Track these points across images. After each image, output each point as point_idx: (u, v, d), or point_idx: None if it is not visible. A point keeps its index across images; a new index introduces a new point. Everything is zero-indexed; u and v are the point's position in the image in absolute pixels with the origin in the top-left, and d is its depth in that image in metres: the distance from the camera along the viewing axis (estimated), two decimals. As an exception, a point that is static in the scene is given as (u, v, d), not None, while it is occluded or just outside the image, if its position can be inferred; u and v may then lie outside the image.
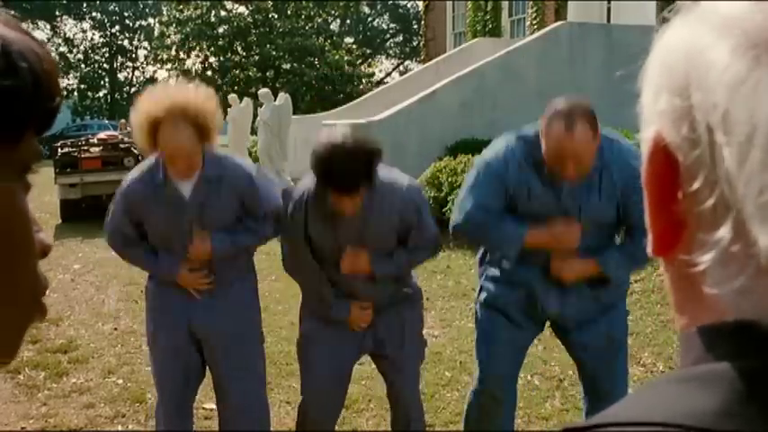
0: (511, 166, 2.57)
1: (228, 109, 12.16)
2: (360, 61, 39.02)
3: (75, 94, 43.68)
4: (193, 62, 33.73)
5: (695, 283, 0.48)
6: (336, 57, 31.79)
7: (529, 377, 4.19)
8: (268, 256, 7.94)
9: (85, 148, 11.60)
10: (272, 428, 3.80)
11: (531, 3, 15.16)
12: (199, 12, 31.46)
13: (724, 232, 0.44)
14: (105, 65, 44.92)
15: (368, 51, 43.55)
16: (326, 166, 2.40)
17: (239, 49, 32.02)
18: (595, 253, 2.60)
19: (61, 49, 44.03)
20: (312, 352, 2.83)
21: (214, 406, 3.73)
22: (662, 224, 0.49)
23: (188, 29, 30.92)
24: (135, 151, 10.64)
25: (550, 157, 2.45)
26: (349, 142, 2.40)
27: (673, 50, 0.48)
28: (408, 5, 44.23)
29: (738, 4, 0.45)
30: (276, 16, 32.24)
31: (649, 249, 0.51)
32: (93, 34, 44.88)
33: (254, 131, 12.50)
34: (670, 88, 0.47)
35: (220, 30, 31.87)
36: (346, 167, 2.37)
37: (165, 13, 35.42)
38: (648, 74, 0.50)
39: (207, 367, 2.98)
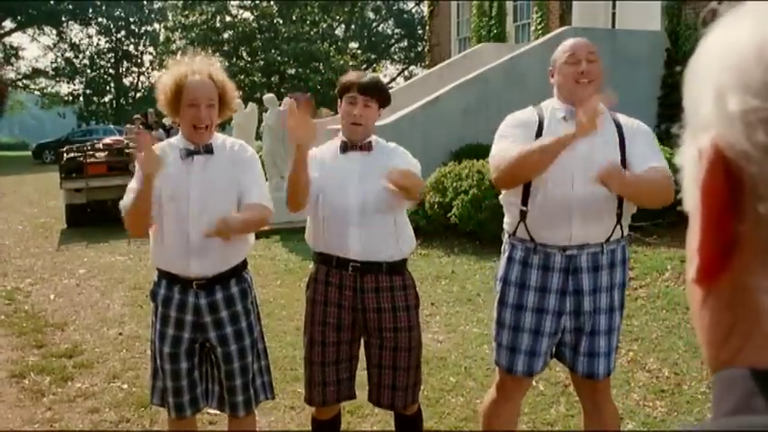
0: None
1: (233, 114, 12.19)
2: (364, 66, 39.06)
3: (81, 99, 43.86)
4: (198, 67, 33.80)
5: (755, 313, 0.41)
6: (341, 62, 31.81)
7: (534, 382, 4.17)
8: (272, 261, 7.97)
9: (91, 153, 11.66)
10: (276, 434, 3.81)
11: (536, 8, 15.15)
12: (204, 17, 31.55)
13: None
14: (111, 70, 45.09)
15: (372, 56, 43.61)
16: (352, 75, 2.86)
17: (244, 54, 32.08)
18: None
19: (67, 54, 44.22)
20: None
21: (218, 411, 3.74)
22: (713, 246, 0.43)
23: (193, 34, 30.99)
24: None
25: (565, 75, 2.66)
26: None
27: (738, 47, 0.42)
28: (413, 11, 44.31)
29: None
30: (281, 21, 32.32)
31: (692, 275, 0.45)
32: (99, 39, 45.10)
33: (258, 137, 12.52)
34: (742, 89, 0.41)
35: (225, 35, 31.95)
36: (369, 77, 2.87)
37: (170, 18, 35.50)
38: (701, 74, 0.44)
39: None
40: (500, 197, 2.89)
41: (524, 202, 2.70)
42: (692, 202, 0.45)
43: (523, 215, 2.70)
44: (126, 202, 2.76)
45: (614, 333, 2.75)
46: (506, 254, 2.84)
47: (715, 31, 0.44)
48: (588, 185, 2.55)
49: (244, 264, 2.93)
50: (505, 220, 2.85)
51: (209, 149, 2.78)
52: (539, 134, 2.68)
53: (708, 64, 0.43)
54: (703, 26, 0.45)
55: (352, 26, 43.07)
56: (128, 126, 21.13)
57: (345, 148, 2.85)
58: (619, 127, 2.69)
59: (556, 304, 2.71)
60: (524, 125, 2.73)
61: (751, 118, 0.40)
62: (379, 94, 2.83)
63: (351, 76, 2.88)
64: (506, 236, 2.86)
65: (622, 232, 2.72)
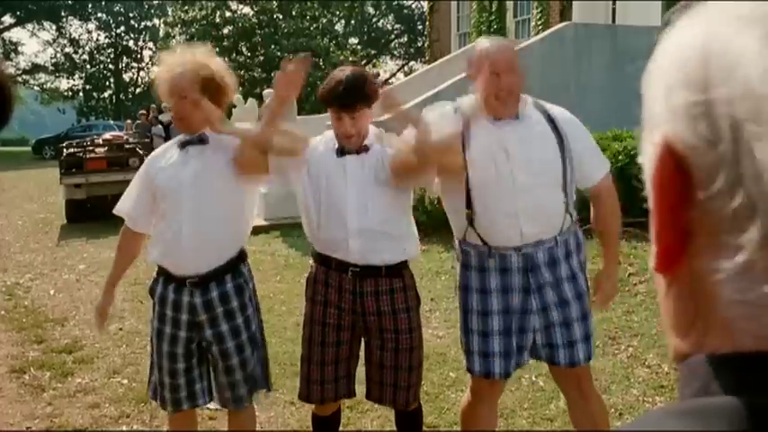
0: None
1: (233, 109, 12.17)
2: (364, 62, 39.01)
3: (81, 94, 43.85)
4: (198, 63, 33.86)
5: (709, 298, 0.44)
6: (341, 57, 31.75)
7: (534, 378, 4.18)
8: (272, 257, 7.96)
9: (90, 148, 11.65)
10: (276, 429, 3.81)
11: (536, 3, 15.13)
12: (204, 12, 31.50)
13: (753, 234, 0.41)
14: (110, 65, 45.05)
15: (372, 52, 43.54)
16: (330, 86, 2.66)
17: (244, 49, 32.03)
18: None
19: (67, 49, 44.20)
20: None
21: (218, 406, 3.74)
22: (671, 235, 0.46)
23: (193, 29, 30.94)
24: (140, 152, 10.67)
25: (485, 81, 2.65)
26: (350, 70, 2.73)
27: (685, 47, 0.45)
28: (413, 6, 44.22)
29: (756, 3, 0.43)
30: (281, 17, 32.26)
31: (653, 265, 0.48)
32: (99, 35, 45.08)
33: (258, 132, 12.50)
34: (685, 85, 0.44)
35: (225, 30, 31.90)
36: (346, 86, 2.62)
37: (170, 13, 35.53)
38: (655, 75, 0.48)
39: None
40: (444, 203, 2.88)
41: (468, 205, 2.67)
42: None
43: (471, 219, 2.67)
44: (120, 205, 2.97)
45: (588, 318, 2.74)
46: (460, 261, 2.80)
47: (671, 33, 0.47)
48: (530, 184, 2.58)
49: (240, 257, 2.88)
50: (452, 225, 2.82)
51: (202, 139, 2.77)
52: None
53: (661, 64, 0.47)
54: (664, 27, 0.48)
55: (352, 22, 42.97)
56: (128, 122, 21.11)
57: (342, 152, 2.77)
58: (552, 122, 2.69)
59: (519, 302, 2.68)
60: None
61: (693, 111, 0.43)
62: (363, 100, 2.67)
63: (328, 85, 2.69)
64: (457, 242, 2.83)
65: (572, 219, 2.72)
